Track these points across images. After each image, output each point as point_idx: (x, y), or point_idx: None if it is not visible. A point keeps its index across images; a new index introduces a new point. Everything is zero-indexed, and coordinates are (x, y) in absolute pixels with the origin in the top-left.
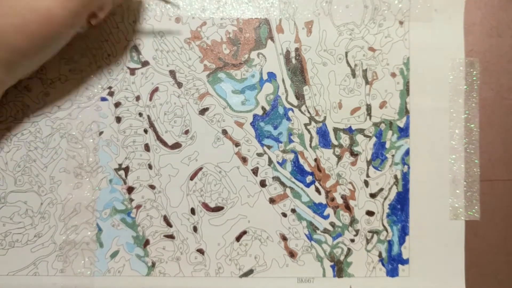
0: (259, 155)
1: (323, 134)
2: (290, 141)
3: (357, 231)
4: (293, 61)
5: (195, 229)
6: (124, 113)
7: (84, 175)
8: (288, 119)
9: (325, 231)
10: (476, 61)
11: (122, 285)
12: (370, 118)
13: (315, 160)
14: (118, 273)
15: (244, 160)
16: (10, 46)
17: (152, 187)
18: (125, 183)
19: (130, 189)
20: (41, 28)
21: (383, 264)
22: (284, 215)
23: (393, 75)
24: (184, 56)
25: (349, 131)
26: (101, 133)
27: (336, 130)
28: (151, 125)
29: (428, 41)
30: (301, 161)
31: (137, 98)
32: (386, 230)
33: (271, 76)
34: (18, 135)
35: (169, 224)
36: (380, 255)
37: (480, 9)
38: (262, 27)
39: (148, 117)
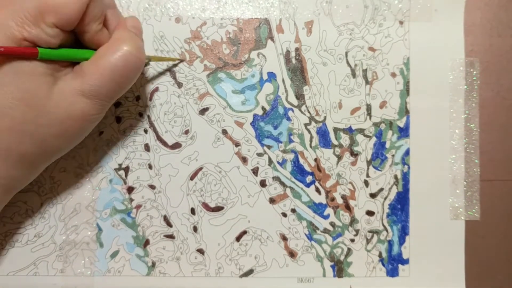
0: (259, 155)
1: (323, 134)
2: (290, 141)
3: (357, 231)
4: (293, 61)
5: (195, 229)
6: (124, 113)
7: (84, 175)
8: (288, 119)
9: (325, 231)
10: (476, 61)
11: (122, 285)
12: (370, 118)
13: (315, 160)
14: (118, 273)
15: (244, 160)
16: (48, 152)
17: (152, 187)
18: (125, 183)
19: (130, 189)
20: (77, 130)
21: (383, 264)
22: (284, 215)
23: (393, 75)
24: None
25: (349, 131)
26: (101, 133)
27: (336, 130)
28: (151, 125)
29: (428, 41)
30: (301, 161)
31: (137, 98)
32: (386, 230)
33: (271, 76)
34: None
35: (169, 224)
36: (380, 255)
37: (480, 9)
38: (262, 27)
39: (148, 117)
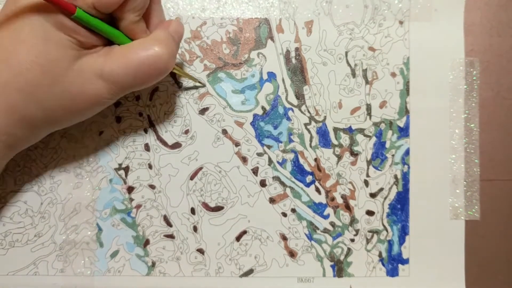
0: (259, 154)
1: (323, 133)
2: (290, 140)
3: (357, 231)
4: (293, 60)
5: (195, 228)
6: (124, 113)
7: (84, 174)
8: (288, 118)
9: (325, 230)
10: (476, 61)
11: (122, 285)
12: (370, 118)
13: (315, 159)
14: (118, 272)
15: (244, 160)
16: (53, 120)
17: (152, 186)
18: (125, 182)
19: (130, 189)
20: (86, 108)
21: (383, 264)
22: (284, 214)
23: (393, 74)
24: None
25: (349, 130)
26: (101, 132)
27: (336, 129)
28: (151, 124)
29: (428, 41)
30: (301, 160)
31: (137, 97)
32: (386, 230)
33: (271, 75)
34: None
35: (169, 224)
36: (380, 255)
37: (480, 9)
38: (262, 27)
39: (148, 116)
